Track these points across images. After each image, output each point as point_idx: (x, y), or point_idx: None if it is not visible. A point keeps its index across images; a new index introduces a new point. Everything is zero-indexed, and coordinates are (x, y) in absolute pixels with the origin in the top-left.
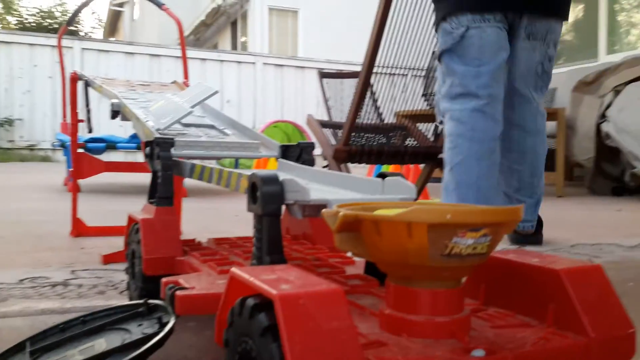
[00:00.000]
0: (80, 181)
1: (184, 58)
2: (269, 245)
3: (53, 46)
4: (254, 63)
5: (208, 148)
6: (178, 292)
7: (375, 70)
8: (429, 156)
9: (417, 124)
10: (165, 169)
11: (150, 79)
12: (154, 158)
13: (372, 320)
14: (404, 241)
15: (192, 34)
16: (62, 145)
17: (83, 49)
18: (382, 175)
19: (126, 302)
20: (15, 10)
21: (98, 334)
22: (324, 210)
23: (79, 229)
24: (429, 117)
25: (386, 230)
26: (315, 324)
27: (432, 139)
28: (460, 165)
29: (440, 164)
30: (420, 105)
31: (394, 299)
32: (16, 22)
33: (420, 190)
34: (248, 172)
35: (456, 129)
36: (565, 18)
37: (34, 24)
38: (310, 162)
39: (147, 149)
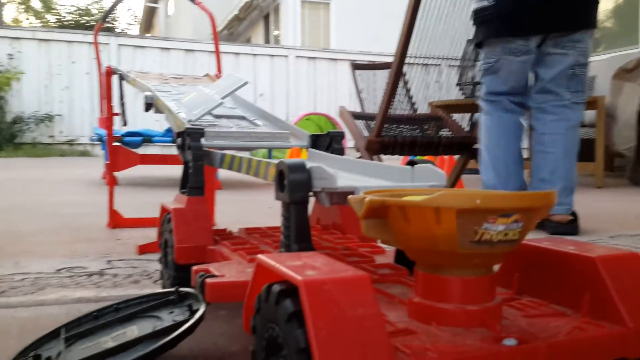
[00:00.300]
0: (118, 174)
1: (217, 52)
2: (297, 233)
3: (90, 43)
4: (286, 56)
5: (238, 138)
6: (208, 280)
7: (408, 60)
8: (463, 147)
9: (452, 114)
10: (196, 159)
11: (186, 73)
12: (185, 149)
13: (401, 309)
14: (432, 227)
15: (225, 29)
16: (100, 139)
17: (119, 45)
18: (412, 163)
19: (159, 290)
20: (54, 8)
21: (130, 321)
22: (350, 196)
23: (116, 221)
24: (463, 107)
25: (414, 216)
26: (341, 311)
27: (467, 129)
28: (491, 147)
29: (475, 154)
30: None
31: (423, 287)
32: (55, 20)
33: (455, 181)
34: (276, 161)
35: (487, 121)
36: (593, 27)
37: (72, 22)
38: (340, 151)
39: (179, 139)
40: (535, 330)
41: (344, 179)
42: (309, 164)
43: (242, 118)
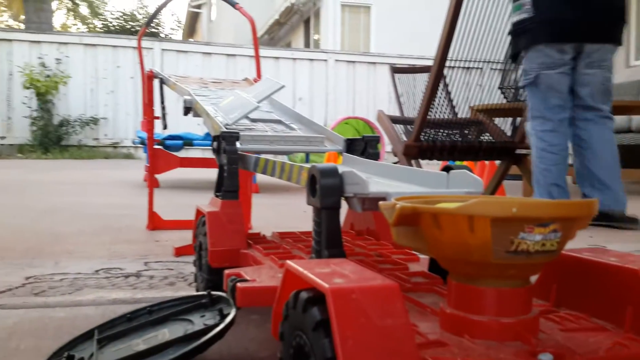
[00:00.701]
0: (159, 177)
1: (257, 56)
2: (328, 238)
3: (135, 47)
4: (326, 60)
5: (273, 142)
6: (239, 284)
7: (448, 63)
8: (505, 152)
9: (494, 119)
10: (231, 162)
11: (227, 77)
12: (220, 152)
13: (433, 320)
14: (466, 236)
15: (266, 33)
16: (142, 142)
17: (163, 49)
18: (448, 169)
19: (191, 293)
20: (101, 14)
21: (162, 324)
22: (381, 202)
23: (155, 223)
24: (505, 111)
25: (446, 224)
26: (368, 320)
27: (509, 134)
28: (545, 171)
29: (516, 160)
30: (496, 98)
31: (456, 298)
32: (101, 25)
33: (496, 187)
34: (309, 166)
35: (538, 143)
36: (619, 43)
37: (118, 27)
38: (375, 156)
39: (214, 143)
40: (573, 345)
41: (377, 185)
42: (341, 169)
43: (279, 122)
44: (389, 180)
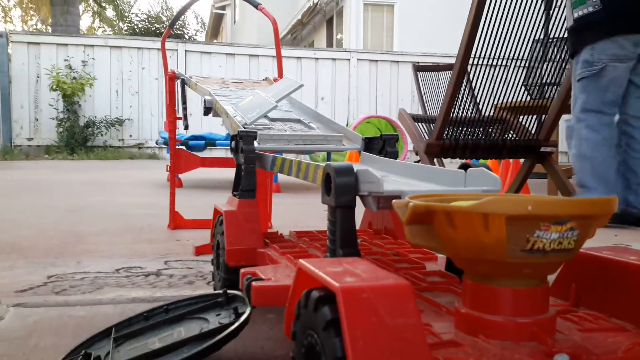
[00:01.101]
0: (182, 177)
1: (279, 56)
2: (342, 237)
3: (159, 49)
4: (348, 59)
5: (291, 141)
6: (254, 283)
7: (471, 61)
8: (529, 150)
9: (518, 117)
10: (248, 162)
11: (249, 78)
12: (238, 151)
13: (448, 319)
14: (480, 234)
15: (289, 34)
16: (165, 142)
17: (187, 51)
18: (466, 167)
19: (208, 292)
20: (127, 17)
21: (179, 322)
22: (394, 201)
23: (176, 222)
24: (530, 108)
25: (460, 222)
26: (379, 320)
27: (533, 131)
28: (602, 162)
29: (541, 158)
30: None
31: (471, 297)
32: (127, 27)
33: (521, 185)
34: (324, 164)
35: (592, 136)
36: None
37: (143, 29)
38: (394, 154)
39: (232, 142)
40: (591, 345)
41: (393, 183)
42: (356, 167)
43: (298, 121)
44: (406, 179)
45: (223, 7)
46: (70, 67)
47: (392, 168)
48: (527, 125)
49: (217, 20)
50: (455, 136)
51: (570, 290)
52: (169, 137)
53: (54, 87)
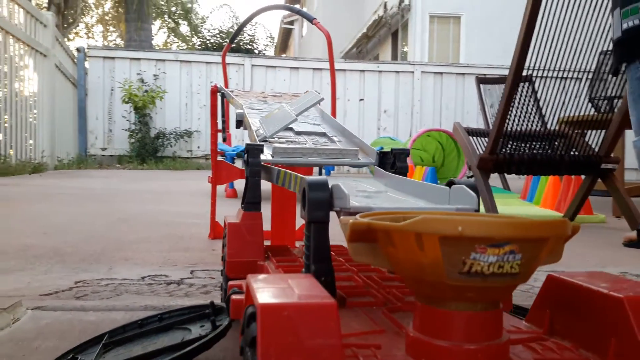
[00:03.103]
0: (238, 189)
1: (332, 70)
2: (315, 253)
3: (227, 63)
4: (412, 72)
5: (305, 155)
6: (233, 296)
7: (536, 73)
8: (589, 166)
9: (579, 131)
10: (253, 174)
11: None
12: (247, 165)
13: (403, 343)
14: (417, 254)
15: (354, 47)
16: (223, 154)
17: (253, 65)
18: (451, 183)
19: (201, 303)
20: (200, 32)
21: (166, 331)
22: (341, 218)
23: (216, 232)
24: (591, 123)
25: (399, 241)
26: (297, 339)
27: (597, 147)
28: None
29: (602, 175)
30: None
31: (420, 320)
32: (200, 42)
33: (581, 203)
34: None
35: None
36: None
37: (215, 44)
38: (404, 169)
39: (245, 155)
40: None
41: (365, 199)
42: (331, 182)
43: (323, 135)
44: (402, 195)
45: (291, 22)
46: (142, 81)
47: (394, 183)
48: (591, 141)
49: (285, 35)
50: (510, 151)
51: (545, 317)
52: (210, 149)
53: (126, 99)
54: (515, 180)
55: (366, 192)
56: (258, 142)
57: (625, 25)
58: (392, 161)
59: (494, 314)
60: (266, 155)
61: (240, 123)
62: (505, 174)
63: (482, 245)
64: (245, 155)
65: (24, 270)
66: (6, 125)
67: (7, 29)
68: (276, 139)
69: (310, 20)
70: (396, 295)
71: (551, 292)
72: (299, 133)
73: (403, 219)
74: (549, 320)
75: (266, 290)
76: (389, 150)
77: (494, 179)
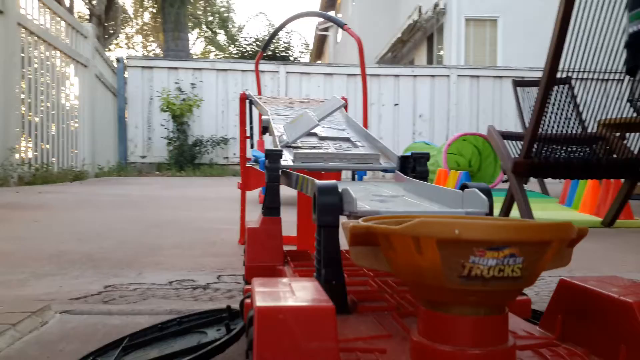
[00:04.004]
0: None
1: (363, 75)
2: (325, 257)
3: (261, 71)
4: (448, 76)
5: (326, 160)
6: (247, 300)
7: (575, 75)
8: (627, 169)
9: (622, 134)
10: (271, 180)
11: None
12: (267, 170)
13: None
14: (416, 258)
15: (389, 52)
16: (256, 160)
17: (287, 72)
18: (464, 187)
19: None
20: (237, 41)
21: (184, 335)
22: (343, 222)
23: None
24: (636, 125)
25: (398, 244)
26: (293, 343)
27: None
28: None
29: None
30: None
31: (423, 325)
32: (236, 51)
33: (621, 207)
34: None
35: None
36: None
37: (251, 52)
38: (424, 173)
39: (266, 161)
40: None
41: (395, 203)
42: (341, 187)
43: (346, 140)
44: (418, 199)
45: (326, 29)
46: (180, 90)
47: (413, 187)
48: (632, 144)
49: (320, 42)
50: (546, 154)
51: (556, 323)
52: (240, 155)
53: (164, 108)
54: (555, 185)
55: (382, 197)
56: (278, 148)
57: (631, 30)
58: (413, 165)
59: (498, 319)
60: (287, 160)
61: (266, 129)
62: (544, 179)
63: (481, 249)
64: (266, 161)
65: (56, 275)
66: (53, 133)
67: (49, 41)
68: (299, 144)
69: (341, 26)
70: (409, 300)
71: (563, 297)
72: (322, 138)
73: (405, 222)
74: (561, 325)
75: (266, 294)
76: (409, 154)
77: (533, 184)
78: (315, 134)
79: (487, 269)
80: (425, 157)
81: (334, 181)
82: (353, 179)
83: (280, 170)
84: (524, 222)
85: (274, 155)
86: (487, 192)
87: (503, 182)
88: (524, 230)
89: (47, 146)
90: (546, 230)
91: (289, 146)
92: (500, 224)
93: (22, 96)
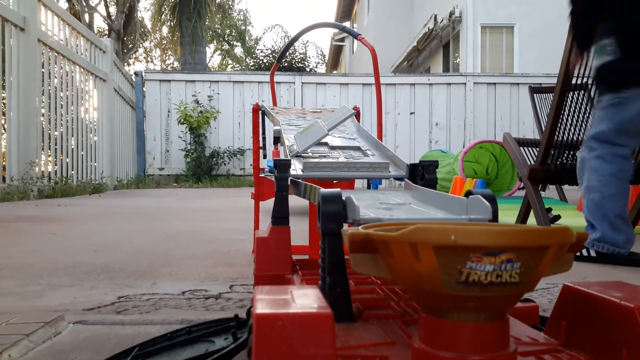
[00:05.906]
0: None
1: (377, 84)
2: (329, 265)
3: (278, 82)
4: (464, 83)
5: (335, 169)
6: (252, 309)
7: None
8: None
9: None
10: (280, 189)
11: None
12: (276, 179)
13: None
14: (414, 264)
15: (405, 60)
16: (271, 170)
17: (303, 83)
18: (468, 194)
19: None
20: (254, 53)
21: (192, 344)
22: (343, 229)
23: None
24: None
25: (396, 251)
26: (290, 349)
27: None
28: (610, 198)
29: None
30: None
31: (424, 331)
32: (253, 63)
33: None
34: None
35: (607, 168)
36: None
37: (268, 64)
38: (432, 181)
39: (275, 171)
40: None
41: (380, 211)
42: (345, 195)
43: (357, 149)
44: (424, 207)
45: (342, 40)
46: (197, 102)
47: (420, 195)
48: None
49: (336, 52)
50: (562, 161)
51: (560, 328)
52: (253, 166)
53: (182, 120)
54: (574, 192)
55: (388, 204)
56: (287, 158)
57: (595, 63)
58: (422, 173)
59: (498, 325)
60: (297, 170)
61: (277, 139)
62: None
63: (478, 254)
64: (275, 171)
65: (72, 286)
66: (72, 147)
67: (68, 56)
68: (310, 154)
69: (355, 36)
70: (415, 307)
71: (567, 302)
72: (333, 147)
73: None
74: (565, 331)
75: (266, 301)
76: (418, 163)
77: (552, 191)
78: (326, 143)
79: (484, 274)
80: (434, 164)
81: (337, 190)
82: (368, 187)
83: (289, 180)
84: (521, 228)
85: (282, 165)
86: (491, 199)
87: (520, 189)
88: (520, 235)
89: (67, 159)
90: (543, 236)
91: (299, 156)
92: (496, 230)
93: (43, 110)
